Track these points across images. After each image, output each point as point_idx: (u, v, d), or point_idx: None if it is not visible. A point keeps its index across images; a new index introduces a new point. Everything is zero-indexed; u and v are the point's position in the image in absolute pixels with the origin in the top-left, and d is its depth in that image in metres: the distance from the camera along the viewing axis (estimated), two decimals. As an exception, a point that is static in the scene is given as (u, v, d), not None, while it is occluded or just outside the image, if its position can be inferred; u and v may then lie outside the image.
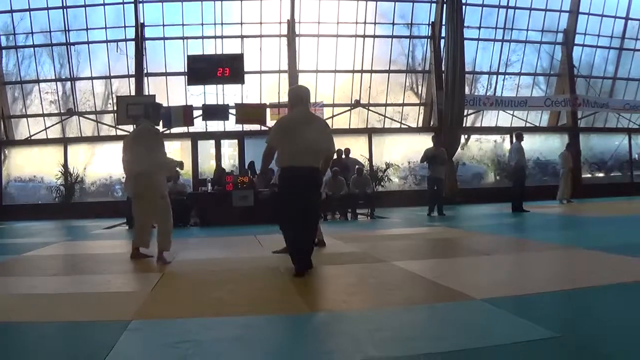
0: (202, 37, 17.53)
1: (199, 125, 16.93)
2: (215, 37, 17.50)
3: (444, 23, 17.21)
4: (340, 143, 15.71)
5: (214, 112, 16.42)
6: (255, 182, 12.74)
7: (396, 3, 18.09)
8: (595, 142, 20.02)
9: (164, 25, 17.30)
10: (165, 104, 14.81)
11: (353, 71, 18.06)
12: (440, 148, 12.44)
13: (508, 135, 18.53)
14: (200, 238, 8.92)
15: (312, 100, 17.84)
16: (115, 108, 16.12)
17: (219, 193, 11.99)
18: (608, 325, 2.81)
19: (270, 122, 16.59)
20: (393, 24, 18.22)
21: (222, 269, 5.21)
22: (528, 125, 19.01)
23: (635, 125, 20.19)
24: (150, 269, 5.27)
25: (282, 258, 5.82)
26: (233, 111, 16.40)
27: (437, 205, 11.92)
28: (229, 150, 18.54)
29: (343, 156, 13.53)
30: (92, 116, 17.56)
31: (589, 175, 19.72)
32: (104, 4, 16.94)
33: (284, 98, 17.32)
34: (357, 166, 13.04)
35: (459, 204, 15.45)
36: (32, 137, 17.40)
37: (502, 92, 19.03)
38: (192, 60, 15.70)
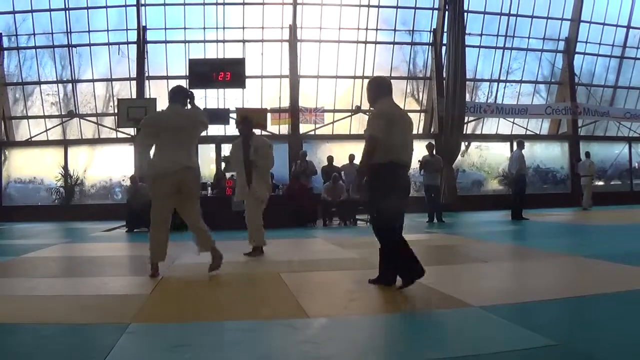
0: (204, 41, 17.58)
1: (199, 129, 16.92)
2: (217, 41, 17.56)
3: (445, 30, 17.27)
4: (341, 149, 15.81)
5: (214, 116, 16.39)
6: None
7: (398, 10, 18.16)
8: (595, 151, 19.94)
9: (165, 29, 17.37)
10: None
11: (354, 77, 18.08)
12: (435, 155, 12.51)
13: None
14: (199, 242, 8.88)
15: (312, 105, 18.05)
16: (116, 111, 16.13)
17: (219, 197, 11.99)
18: (607, 334, 2.81)
19: (271, 127, 16.62)
20: (395, 30, 18.28)
21: (221, 273, 5.19)
22: (528, 133, 19.01)
23: (636, 134, 20.20)
24: (148, 272, 5.25)
25: (280, 263, 5.82)
26: (234, 115, 16.42)
27: (436, 212, 11.95)
28: (229, 155, 18.54)
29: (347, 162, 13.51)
30: (93, 118, 17.55)
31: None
32: (106, 7, 17.00)
33: (285, 103, 17.39)
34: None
35: (458, 211, 15.45)
36: (33, 139, 17.41)
37: (502, 100, 19.06)
38: (194, 64, 15.70)
